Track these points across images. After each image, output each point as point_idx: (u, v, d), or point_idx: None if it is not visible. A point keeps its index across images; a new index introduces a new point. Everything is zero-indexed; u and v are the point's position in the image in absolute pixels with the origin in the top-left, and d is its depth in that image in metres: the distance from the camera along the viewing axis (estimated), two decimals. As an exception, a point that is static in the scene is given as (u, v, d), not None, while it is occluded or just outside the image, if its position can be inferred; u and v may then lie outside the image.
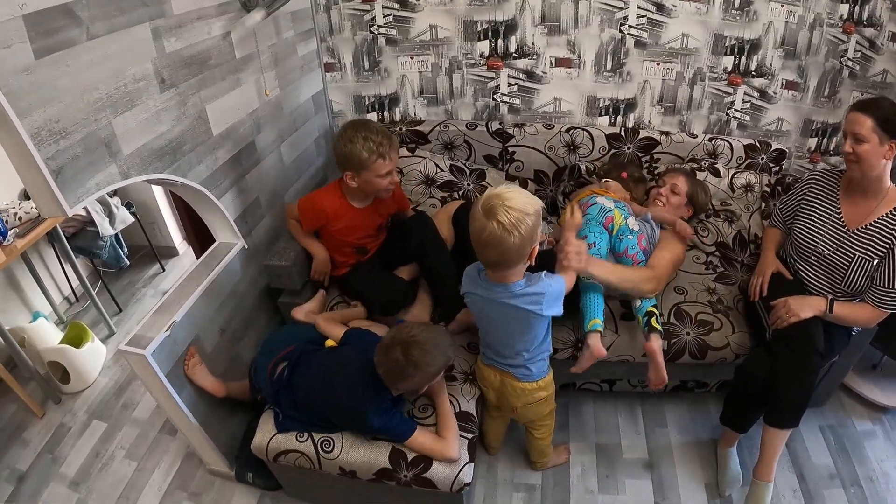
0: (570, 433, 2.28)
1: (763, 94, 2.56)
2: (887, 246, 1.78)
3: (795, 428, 1.81)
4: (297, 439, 1.68)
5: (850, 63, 2.46)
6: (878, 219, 1.80)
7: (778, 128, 2.66)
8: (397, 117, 2.78)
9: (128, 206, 2.70)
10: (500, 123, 2.64)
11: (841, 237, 1.88)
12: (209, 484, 2.09)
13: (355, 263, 2.12)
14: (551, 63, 2.55)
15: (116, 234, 2.71)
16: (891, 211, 1.79)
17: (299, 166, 2.44)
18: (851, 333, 1.97)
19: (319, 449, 1.66)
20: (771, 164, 2.53)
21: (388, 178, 1.87)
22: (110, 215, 2.59)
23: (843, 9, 2.34)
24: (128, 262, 2.83)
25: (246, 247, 2.02)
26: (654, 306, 1.91)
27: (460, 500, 1.72)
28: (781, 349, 1.80)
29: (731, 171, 2.46)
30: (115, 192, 2.65)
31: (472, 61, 2.59)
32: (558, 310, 1.53)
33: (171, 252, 3.42)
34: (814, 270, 1.96)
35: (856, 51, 2.43)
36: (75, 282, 2.88)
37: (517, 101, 2.68)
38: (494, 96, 2.68)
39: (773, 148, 2.53)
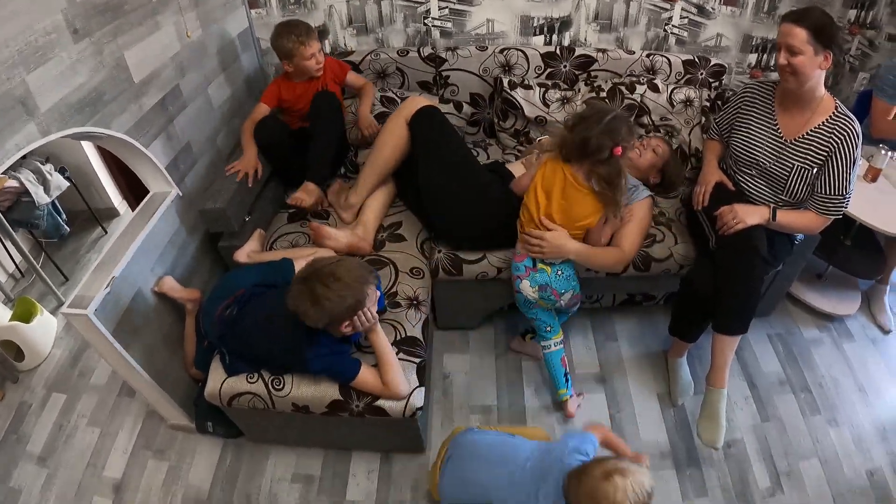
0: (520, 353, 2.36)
1: (701, 9, 2.59)
2: (825, 154, 1.84)
3: (744, 334, 1.89)
4: (247, 381, 1.72)
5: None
6: (814, 128, 1.85)
7: (717, 43, 2.70)
8: (328, 49, 2.74)
9: (61, 170, 2.67)
10: (432, 48, 2.63)
11: (779, 148, 1.93)
12: (172, 439, 2.14)
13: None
14: (482, -17, 2.53)
15: (53, 202, 2.68)
16: (826, 119, 1.83)
17: (230, 107, 2.43)
18: (794, 242, 2.06)
19: (271, 387, 1.71)
20: (710, 80, 2.58)
21: (312, 59, 2.25)
22: (44, 182, 2.56)
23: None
24: (68, 229, 2.80)
25: (181, 194, 2.01)
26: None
27: (415, 424, 1.79)
28: (726, 256, 1.87)
29: (671, 87, 2.50)
30: (47, 159, 2.62)
31: (401, -15, 2.56)
32: None
33: (112, 213, 3.36)
34: (755, 182, 2.02)
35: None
36: (18, 257, 2.86)
37: (449, 25, 2.66)
38: (425, 21, 2.66)
39: (712, 63, 2.56)
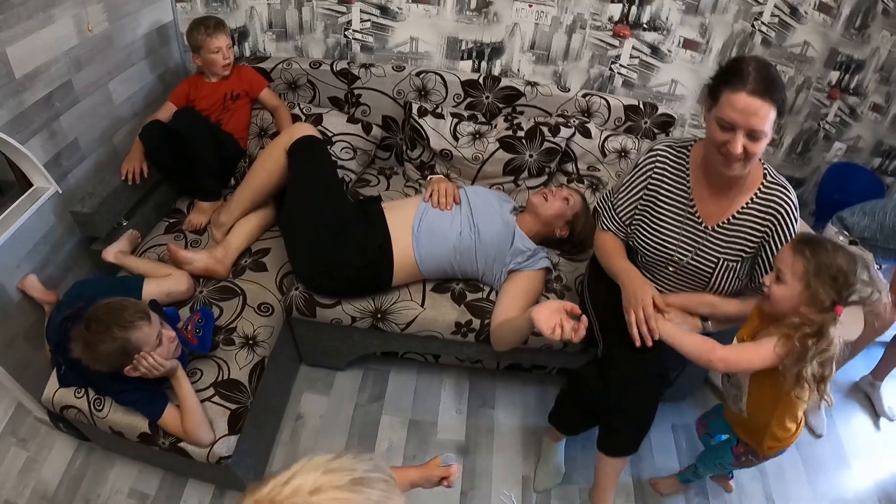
0: (384, 405, 2.29)
1: (655, 50, 2.43)
2: (758, 240, 1.58)
3: (635, 454, 1.74)
4: (74, 395, 1.77)
5: (763, 27, 2.29)
6: (741, 209, 1.57)
7: (671, 90, 2.53)
8: (247, 53, 2.73)
9: None
10: (348, 63, 2.56)
11: (699, 239, 1.64)
12: (36, 431, 2.22)
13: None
14: (407, -3, 2.46)
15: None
16: (753, 196, 1.56)
17: (136, 103, 2.47)
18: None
19: (92, 407, 1.74)
20: (655, 130, 2.41)
21: (219, 53, 2.35)
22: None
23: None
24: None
25: (60, 191, 2.05)
26: None
27: (229, 471, 1.79)
28: (624, 373, 1.64)
29: (606, 133, 2.36)
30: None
31: (322, -7, 2.51)
32: None
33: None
34: (672, 282, 1.74)
35: (772, 15, 2.26)
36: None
37: (370, 39, 2.60)
38: (346, 33, 2.60)
39: (658, 112, 2.38)
